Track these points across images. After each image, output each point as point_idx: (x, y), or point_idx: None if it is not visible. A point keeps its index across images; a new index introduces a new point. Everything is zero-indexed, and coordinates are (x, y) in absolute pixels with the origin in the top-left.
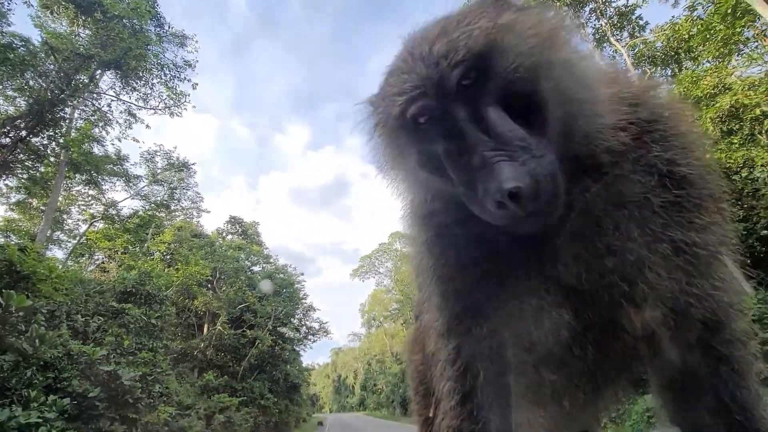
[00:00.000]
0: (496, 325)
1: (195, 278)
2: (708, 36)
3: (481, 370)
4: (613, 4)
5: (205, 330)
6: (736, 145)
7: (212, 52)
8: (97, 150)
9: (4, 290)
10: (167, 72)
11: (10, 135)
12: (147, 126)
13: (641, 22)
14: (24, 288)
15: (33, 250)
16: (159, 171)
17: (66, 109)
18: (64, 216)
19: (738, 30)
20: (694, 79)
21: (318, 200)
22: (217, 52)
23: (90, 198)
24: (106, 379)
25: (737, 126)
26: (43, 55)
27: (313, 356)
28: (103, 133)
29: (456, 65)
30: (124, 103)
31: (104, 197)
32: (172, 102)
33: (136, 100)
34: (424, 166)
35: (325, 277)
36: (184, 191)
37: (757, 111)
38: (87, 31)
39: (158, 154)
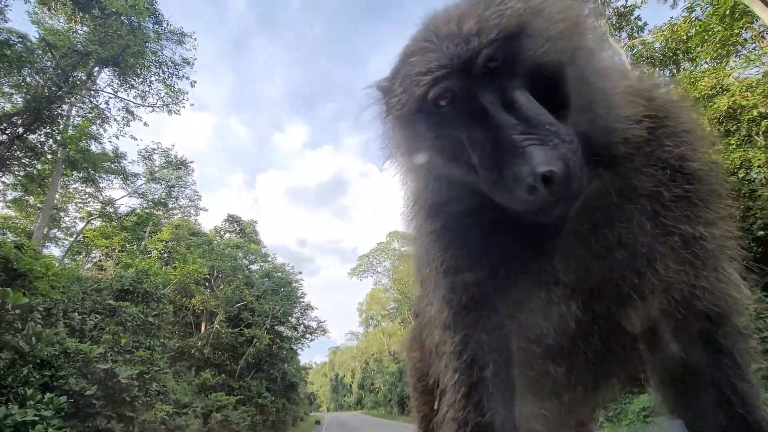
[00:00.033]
0: (504, 316)
1: (192, 276)
2: (706, 37)
3: (489, 361)
4: (612, 5)
5: (203, 328)
6: (734, 146)
7: (211, 50)
8: (94, 147)
9: (0, 288)
10: (165, 69)
11: (7, 132)
12: (145, 124)
13: (640, 23)
14: (21, 286)
15: (30, 248)
16: (157, 169)
17: (63, 106)
18: (61, 214)
19: (736, 31)
20: (693, 80)
21: (316, 199)
22: (216, 50)
23: (87, 196)
24: (103, 377)
25: (734, 127)
26: (40, 52)
27: (311, 355)
28: (101, 130)
29: (488, 44)
30: (121, 101)
31: (101, 195)
32: (170, 100)
33: (133, 97)
34: (442, 151)
35: (323, 276)
36: (182, 189)
37: (755, 112)
38: (85, 28)
39: (156, 151)
